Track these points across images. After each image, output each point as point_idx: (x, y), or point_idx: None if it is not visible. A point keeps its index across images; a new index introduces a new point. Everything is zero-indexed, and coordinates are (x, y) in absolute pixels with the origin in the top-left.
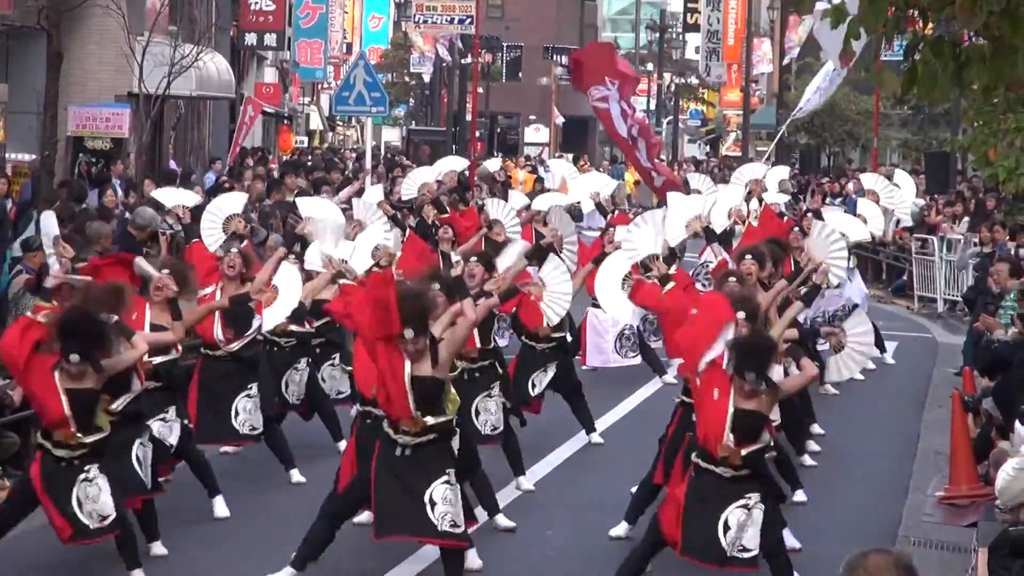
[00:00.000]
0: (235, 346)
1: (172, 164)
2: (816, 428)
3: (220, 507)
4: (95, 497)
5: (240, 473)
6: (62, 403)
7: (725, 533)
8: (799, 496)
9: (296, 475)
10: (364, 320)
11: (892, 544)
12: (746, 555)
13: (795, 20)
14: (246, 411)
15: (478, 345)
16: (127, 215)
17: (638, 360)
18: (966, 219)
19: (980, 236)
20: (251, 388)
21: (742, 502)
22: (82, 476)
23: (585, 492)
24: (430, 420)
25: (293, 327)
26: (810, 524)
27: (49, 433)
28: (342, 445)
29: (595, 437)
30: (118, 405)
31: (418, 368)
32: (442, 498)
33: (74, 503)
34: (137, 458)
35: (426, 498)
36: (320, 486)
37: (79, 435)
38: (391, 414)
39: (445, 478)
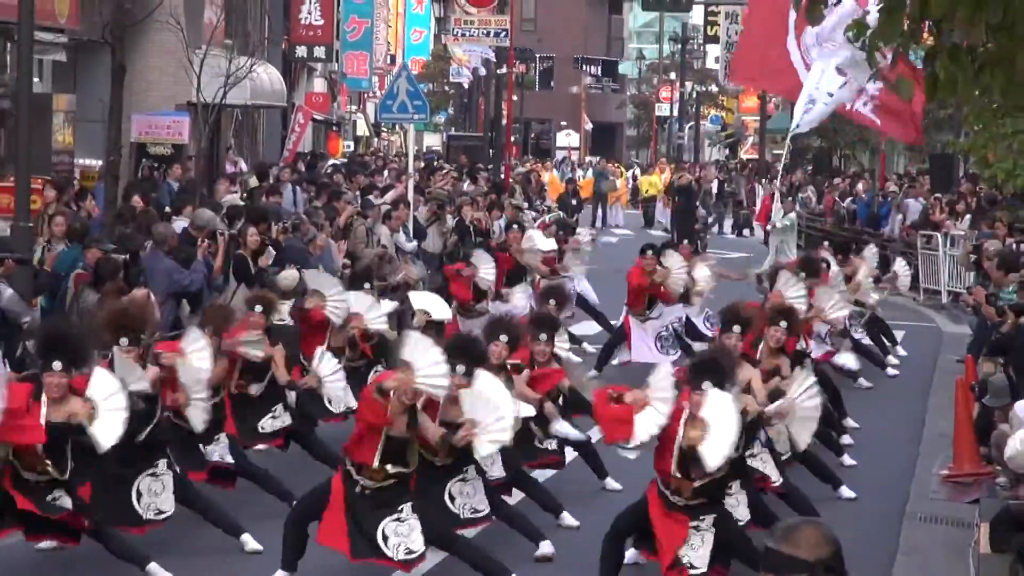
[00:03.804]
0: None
1: (229, 167)
2: (849, 422)
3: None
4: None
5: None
6: None
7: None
8: (845, 492)
9: None
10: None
11: (899, 520)
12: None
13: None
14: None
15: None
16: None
17: (678, 355)
18: (967, 216)
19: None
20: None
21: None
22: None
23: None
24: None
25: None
26: (823, 502)
27: None
28: None
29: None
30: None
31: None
32: (394, 532)
33: None
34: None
35: (378, 534)
36: None
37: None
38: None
39: (396, 515)
